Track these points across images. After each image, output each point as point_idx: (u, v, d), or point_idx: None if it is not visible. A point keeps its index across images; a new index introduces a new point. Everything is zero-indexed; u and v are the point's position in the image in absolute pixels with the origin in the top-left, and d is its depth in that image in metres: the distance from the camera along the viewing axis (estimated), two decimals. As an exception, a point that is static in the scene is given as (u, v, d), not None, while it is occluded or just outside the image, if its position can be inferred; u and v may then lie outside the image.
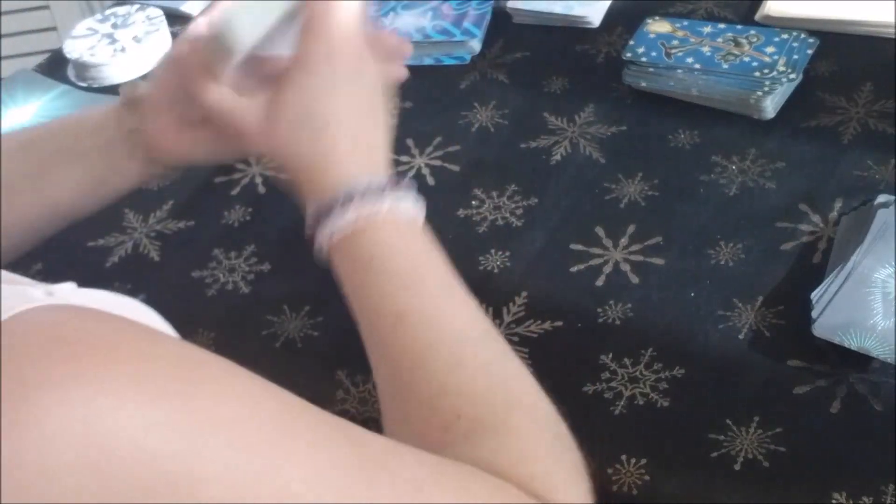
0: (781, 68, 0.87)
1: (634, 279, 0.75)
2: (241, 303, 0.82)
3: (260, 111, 0.62)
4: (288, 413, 0.45)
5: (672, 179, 0.83)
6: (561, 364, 0.71)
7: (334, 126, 0.61)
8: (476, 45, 1.02)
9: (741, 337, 0.69)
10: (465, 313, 0.58)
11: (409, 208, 0.60)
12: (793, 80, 0.87)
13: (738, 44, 0.91)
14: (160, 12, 1.16)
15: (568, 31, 1.02)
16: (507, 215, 0.83)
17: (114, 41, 1.12)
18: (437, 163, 0.90)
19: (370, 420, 0.71)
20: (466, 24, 1.03)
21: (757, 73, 0.87)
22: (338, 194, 0.59)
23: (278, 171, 0.64)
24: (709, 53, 0.90)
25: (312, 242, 0.61)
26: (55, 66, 1.16)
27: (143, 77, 0.72)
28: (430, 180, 0.89)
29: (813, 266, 0.73)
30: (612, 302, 0.74)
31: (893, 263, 0.68)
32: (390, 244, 0.59)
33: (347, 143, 0.61)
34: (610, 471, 0.63)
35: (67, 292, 0.48)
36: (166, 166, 0.72)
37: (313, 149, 0.61)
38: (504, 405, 0.53)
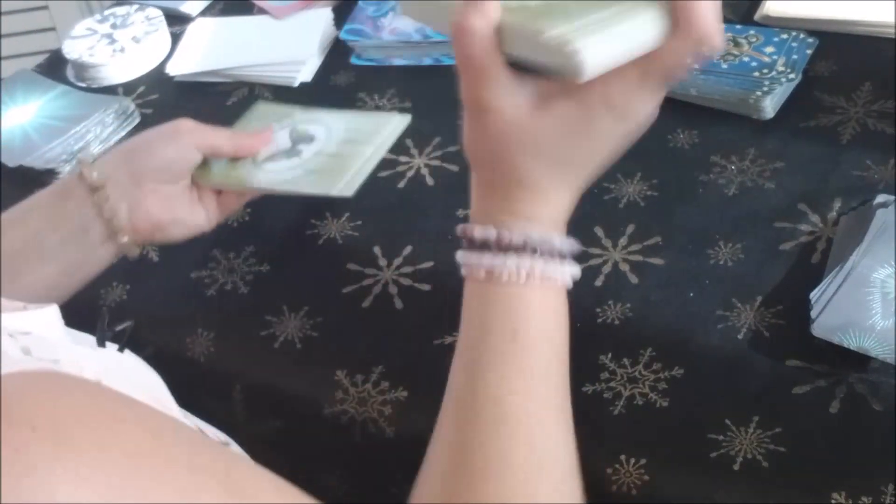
0: (780, 68, 0.87)
1: (633, 279, 0.75)
2: (240, 303, 0.82)
3: (529, 95, 0.52)
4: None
5: (671, 179, 0.83)
6: (560, 364, 0.71)
7: (575, 158, 0.54)
8: (475, 46, 1.02)
9: (740, 337, 0.69)
10: (565, 443, 0.53)
11: (573, 278, 0.55)
12: (792, 80, 0.87)
13: (737, 44, 0.91)
14: (159, 12, 1.16)
15: (567, 31, 1.02)
16: (507, 215, 0.83)
17: (113, 41, 1.12)
18: (437, 163, 0.90)
19: (369, 420, 0.71)
20: (466, 24, 1.03)
21: (756, 73, 0.87)
22: (523, 232, 0.53)
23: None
24: (708, 53, 0.90)
25: (462, 237, 0.55)
26: (55, 67, 1.16)
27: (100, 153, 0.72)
28: (430, 180, 0.89)
29: (812, 266, 0.73)
30: (611, 302, 0.74)
31: (892, 263, 0.68)
32: (539, 330, 0.53)
33: (572, 182, 0.55)
34: (609, 471, 0.63)
35: (45, 347, 0.45)
36: (147, 244, 0.72)
37: (543, 166, 0.53)
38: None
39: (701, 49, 0.51)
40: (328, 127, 0.80)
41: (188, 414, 0.55)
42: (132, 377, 0.50)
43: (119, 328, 0.60)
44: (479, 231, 0.54)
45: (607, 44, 0.48)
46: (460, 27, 0.51)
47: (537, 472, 0.51)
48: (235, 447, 0.60)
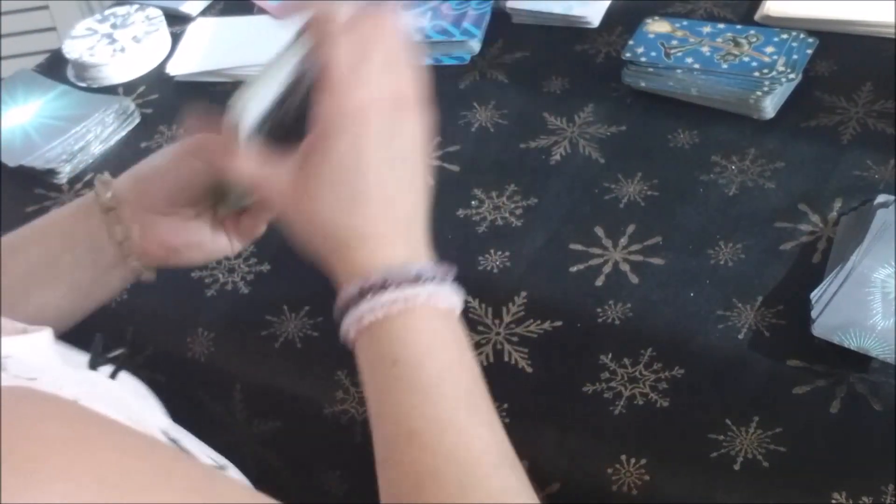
0: (781, 68, 0.87)
1: (634, 279, 0.75)
2: (240, 303, 0.82)
3: (289, 175, 0.57)
4: None
5: (671, 179, 0.83)
6: (560, 364, 0.71)
7: (367, 195, 0.56)
8: (475, 45, 1.02)
9: (741, 337, 0.69)
10: (485, 436, 0.53)
11: (444, 299, 0.55)
12: (792, 79, 0.87)
13: (737, 44, 0.91)
14: (159, 12, 1.16)
15: (567, 31, 1.02)
16: (507, 215, 0.83)
17: (113, 41, 1.12)
18: (437, 163, 0.90)
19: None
20: (466, 24, 1.03)
21: (756, 73, 0.87)
22: (370, 279, 0.55)
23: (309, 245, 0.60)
24: (708, 53, 0.90)
25: (339, 322, 0.57)
26: (55, 66, 1.16)
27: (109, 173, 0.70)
28: (430, 180, 0.89)
29: (812, 266, 0.73)
30: (611, 302, 0.74)
31: (893, 263, 0.68)
32: (417, 347, 0.54)
33: (383, 215, 0.56)
34: (610, 471, 0.63)
35: (23, 367, 0.44)
36: (156, 269, 0.70)
37: (345, 220, 0.56)
38: None
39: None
40: None
41: (181, 433, 0.55)
42: (116, 400, 0.49)
43: (112, 355, 0.59)
44: (339, 301, 0.57)
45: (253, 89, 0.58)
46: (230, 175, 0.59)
47: (460, 475, 0.51)
48: (233, 471, 0.59)
